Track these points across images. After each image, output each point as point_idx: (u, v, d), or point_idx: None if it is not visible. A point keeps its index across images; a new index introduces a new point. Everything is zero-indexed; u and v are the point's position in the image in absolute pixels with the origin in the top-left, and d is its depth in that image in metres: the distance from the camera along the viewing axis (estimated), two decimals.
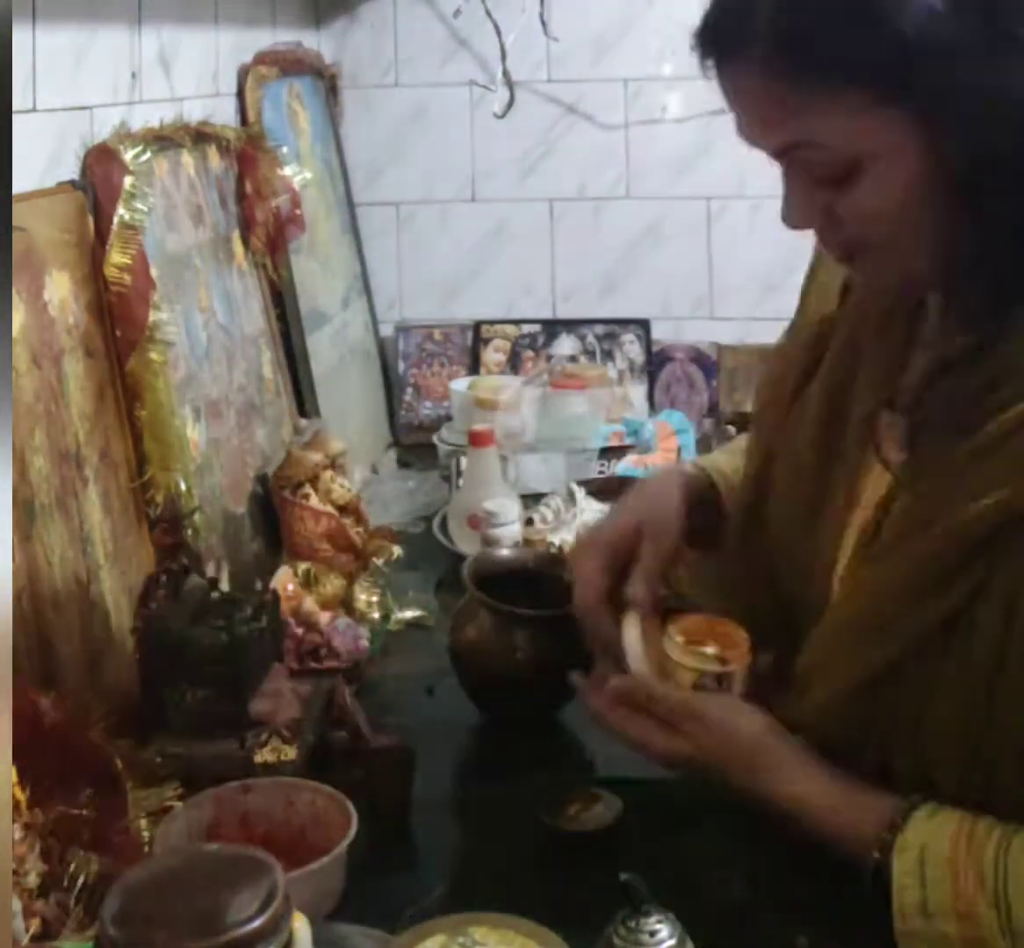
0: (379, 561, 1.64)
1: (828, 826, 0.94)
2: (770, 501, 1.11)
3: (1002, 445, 0.87)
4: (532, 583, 1.40)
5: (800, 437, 1.06)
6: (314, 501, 1.62)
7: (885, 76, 0.83)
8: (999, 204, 0.85)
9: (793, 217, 0.93)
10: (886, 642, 0.92)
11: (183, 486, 1.39)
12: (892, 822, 0.90)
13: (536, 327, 2.46)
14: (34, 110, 1.28)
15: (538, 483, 1.96)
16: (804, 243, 2.34)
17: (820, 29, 0.83)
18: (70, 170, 1.34)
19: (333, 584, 1.59)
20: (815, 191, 0.89)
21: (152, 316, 1.37)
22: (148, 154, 1.42)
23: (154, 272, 1.41)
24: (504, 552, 1.50)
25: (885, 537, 0.96)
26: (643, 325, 2.42)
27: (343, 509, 1.64)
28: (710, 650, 1.05)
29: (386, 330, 2.48)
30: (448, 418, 2.28)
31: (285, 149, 1.91)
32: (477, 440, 1.81)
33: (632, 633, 1.06)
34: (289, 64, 2.08)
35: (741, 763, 0.99)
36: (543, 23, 2.30)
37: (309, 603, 1.49)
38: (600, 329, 2.44)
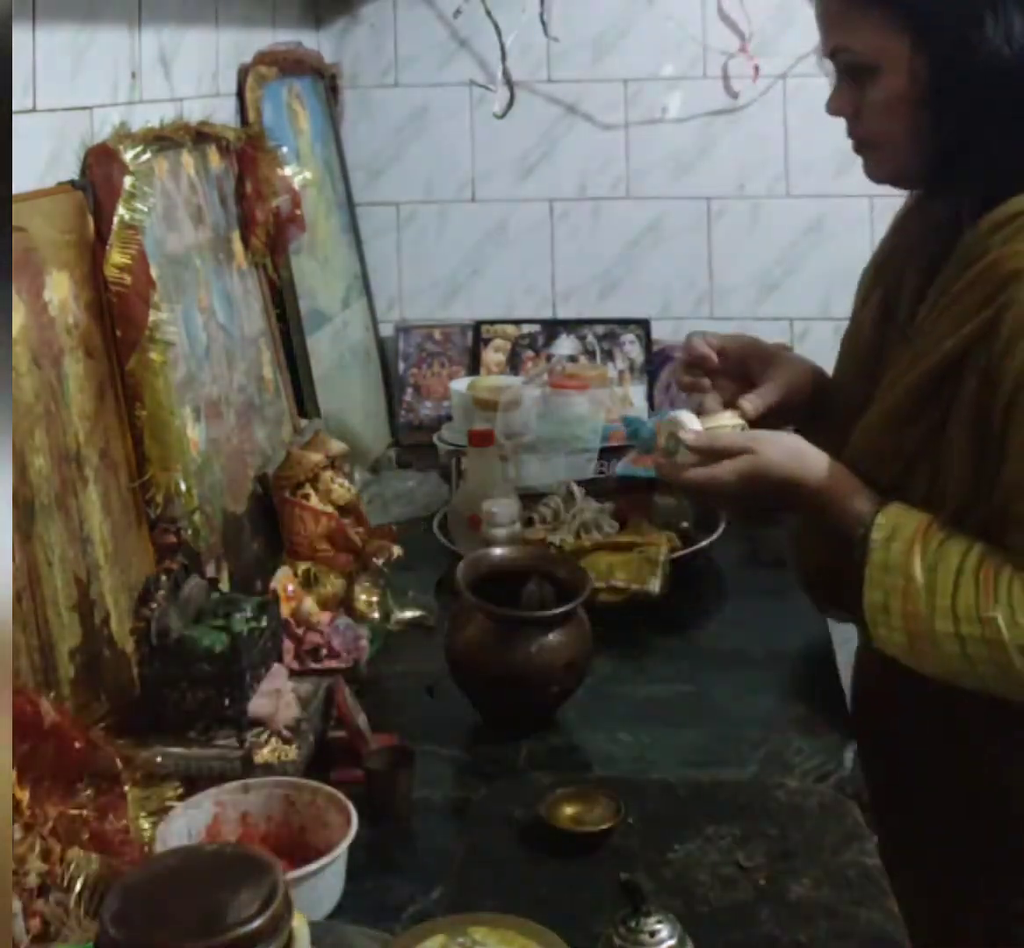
0: (379, 561, 1.64)
1: (835, 505, 1.24)
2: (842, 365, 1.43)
3: (952, 306, 1.20)
4: (529, 581, 1.40)
5: (865, 323, 1.38)
6: (314, 501, 1.62)
7: (898, 7, 1.17)
8: (954, 121, 1.17)
9: (832, 104, 1.26)
10: (892, 452, 1.25)
11: (183, 486, 1.39)
12: (876, 506, 1.23)
13: (536, 327, 2.46)
14: (34, 110, 1.28)
15: (538, 483, 1.96)
16: (803, 243, 2.36)
17: None
18: (70, 170, 1.34)
19: (333, 584, 1.59)
20: (848, 88, 1.23)
21: (152, 316, 1.37)
22: (148, 154, 1.42)
23: (154, 272, 1.41)
24: (498, 551, 1.50)
25: (889, 377, 1.28)
26: (643, 325, 2.42)
27: (343, 509, 1.64)
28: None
29: (386, 330, 2.48)
30: (448, 418, 2.28)
31: (285, 149, 1.91)
32: (477, 440, 1.81)
33: (689, 417, 1.34)
34: (289, 64, 2.08)
35: (788, 457, 1.26)
36: (543, 23, 2.30)
37: (309, 603, 1.49)
38: (600, 329, 2.44)
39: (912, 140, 1.22)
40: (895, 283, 1.36)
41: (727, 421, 1.34)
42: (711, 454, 1.27)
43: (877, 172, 1.28)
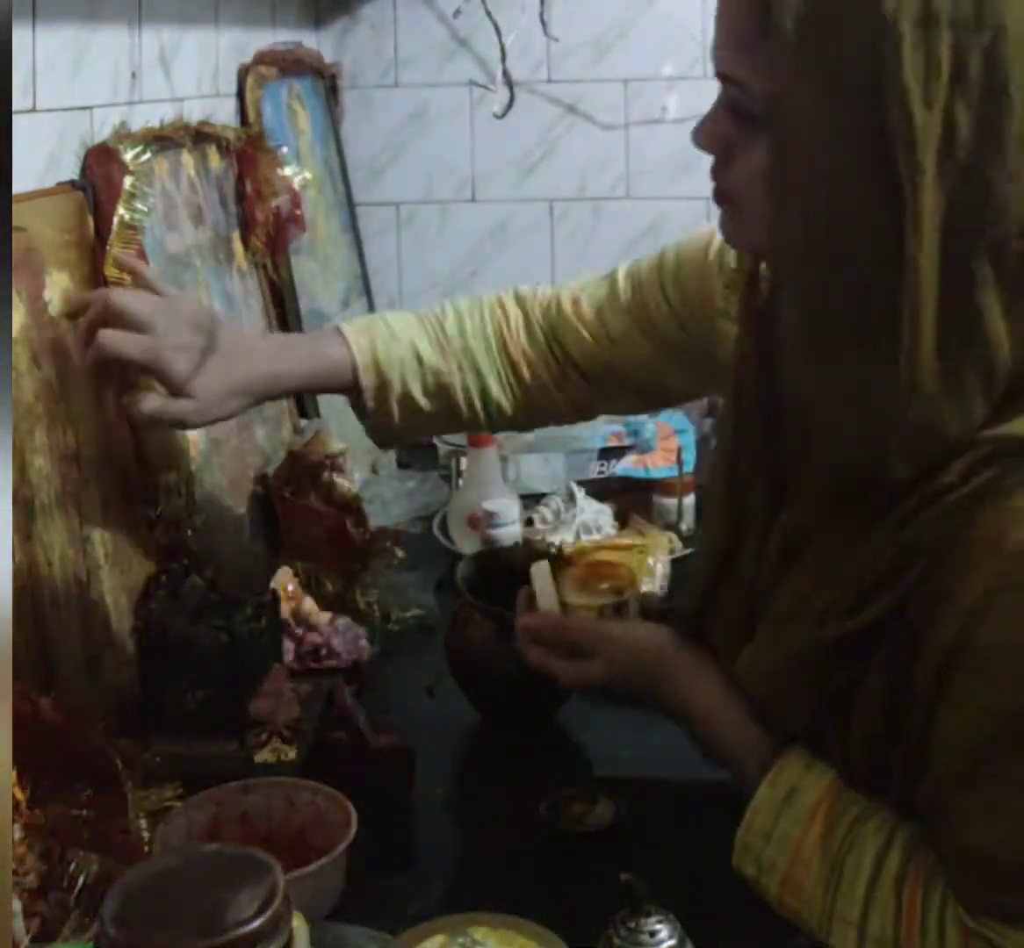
0: (379, 561, 1.64)
1: (716, 744, 1.04)
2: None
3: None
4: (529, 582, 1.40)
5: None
6: (314, 501, 1.62)
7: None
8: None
9: (700, 134, 0.95)
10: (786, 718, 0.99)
11: (183, 486, 1.39)
12: (765, 764, 0.97)
13: None
14: (34, 110, 1.28)
15: (538, 483, 1.96)
16: None
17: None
18: (70, 170, 1.34)
19: (333, 584, 1.59)
20: (727, 120, 0.92)
21: None
22: (148, 154, 1.42)
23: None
24: (498, 551, 1.50)
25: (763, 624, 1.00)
26: None
27: (343, 509, 1.64)
28: (604, 586, 1.19)
29: None
30: None
31: (285, 149, 1.91)
32: (477, 440, 1.81)
33: (541, 579, 1.19)
34: (289, 64, 2.08)
35: (647, 672, 1.07)
36: (543, 23, 2.30)
37: (309, 603, 1.48)
38: None
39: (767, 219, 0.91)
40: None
41: (596, 600, 1.17)
42: (554, 644, 1.15)
43: (735, 234, 1.02)
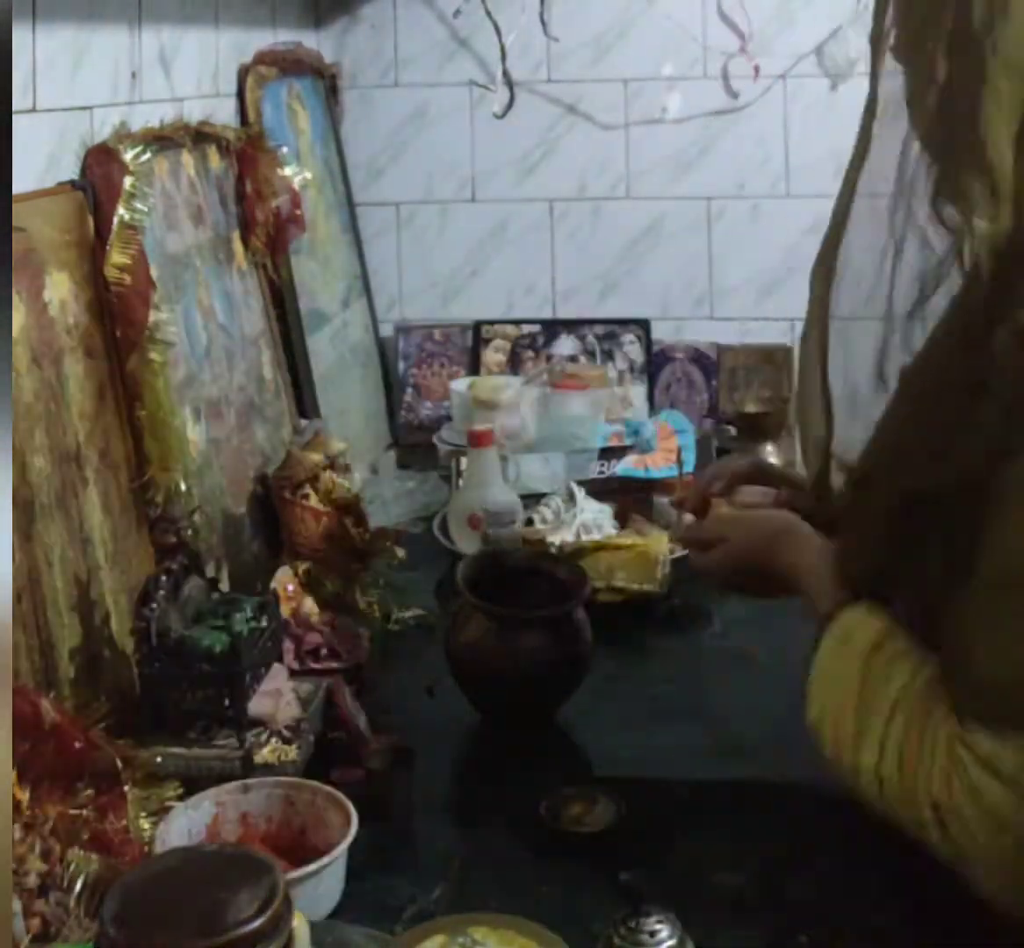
0: (380, 561, 1.64)
1: (808, 589, 1.14)
2: None
3: None
4: (529, 582, 1.40)
5: None
6: (314, 501, 1.62)
7: None
8: None
9: None
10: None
11: (183, 486, 1.39)
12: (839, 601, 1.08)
13: (536, 327, 2.45)
14: (34, 110, 1.28)
15: (538, 483, 1.96)
16: (803, 243, 2.35)
17: None
18: (70, 170, 1.34)
19: (333, 584, 1.59)
20: None
21: (152, 316, 1.37)
22: (148, 154, 1.42)
23: (154, 272, 1.41)
24: (498, 551, 1.50)
25: None
26: (643, 325, 2.42)
27: (343, 509, 1.64)
28: None
29: (386, 330, 2.48)
30: (448, 418, 2.28)
31: (285, 149, 1.91)
32: (477, 440, 1.81)
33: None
34: (289, 64, 2.08)
35: (771, 542, 1.19)
36: (543, 23, 2.30)
37: (309, 603, 1.48)
38: (600, 329, 2.44)
39: None
40: None
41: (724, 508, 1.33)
42: (697, 545, 1.29)
43: None
